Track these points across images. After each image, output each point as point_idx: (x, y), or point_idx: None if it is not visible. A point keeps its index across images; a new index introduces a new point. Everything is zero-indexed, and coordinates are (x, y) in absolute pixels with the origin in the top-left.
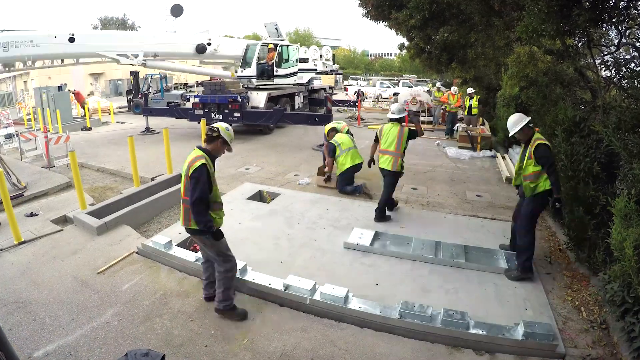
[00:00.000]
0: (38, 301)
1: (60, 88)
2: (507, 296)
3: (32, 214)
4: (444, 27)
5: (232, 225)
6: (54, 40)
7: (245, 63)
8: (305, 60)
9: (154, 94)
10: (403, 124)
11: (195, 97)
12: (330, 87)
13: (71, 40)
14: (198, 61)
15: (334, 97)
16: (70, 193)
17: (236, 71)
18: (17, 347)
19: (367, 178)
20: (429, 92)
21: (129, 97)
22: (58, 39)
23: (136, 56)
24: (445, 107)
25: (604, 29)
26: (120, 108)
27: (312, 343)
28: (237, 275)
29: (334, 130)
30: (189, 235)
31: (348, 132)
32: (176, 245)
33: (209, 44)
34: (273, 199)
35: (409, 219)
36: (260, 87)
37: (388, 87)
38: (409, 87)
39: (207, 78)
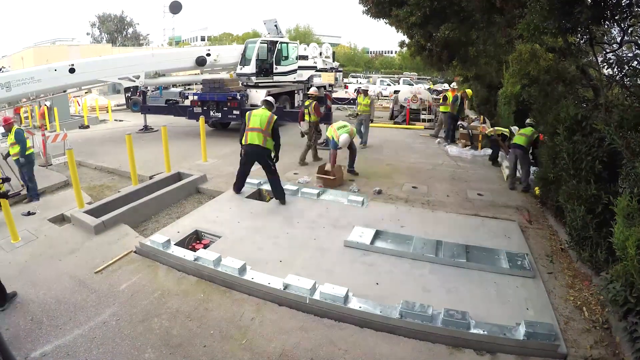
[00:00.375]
0: (35, 301)
1: None
2: (508, 296)
3: (29, 213)
4: (445, 24)
5: (231, 224)
6: (54, 74)
7: (245, 60)
8: (305, 57)
9: (152, 91)
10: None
11: (194, 94)
12: (330, 85)
13: (71, 70)
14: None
15: (334, 95)
16: (67, 191)
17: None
18: (14, 347)
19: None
20: (429, 89)
21: (127, 94)
22: (58, 72)
23: (138, 77)
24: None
25: (606, 26)
26: (118, 106)
27: (312, 343)
28: (236, 274)
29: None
30: (187, 234)
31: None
32: (174, 244)
33: (208, 54)
34: (272, 198)
35: (409, 218)
36: (260, 84)
37: (388, 84)
38: (409, 84)
39: None
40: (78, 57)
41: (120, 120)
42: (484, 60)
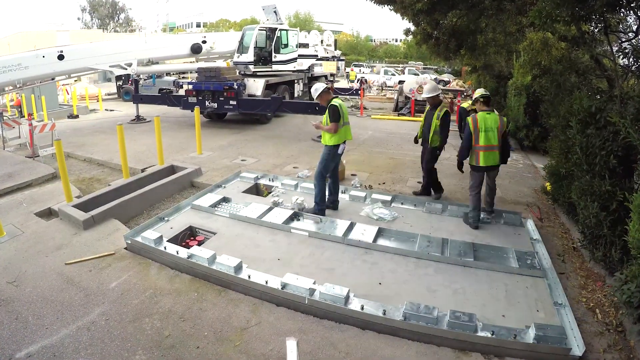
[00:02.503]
0: (20, 299)
1: None
2: (518, 297)
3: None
4: (453, 11)
5: (227, 220)
6: (42, 60)
7: (242, 48)
8: (305, 45)
9: (145, 80)
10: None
11: (189, 84)
12: (332, 75)
13: (60, 57)
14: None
15: (336, 85)
16: (55, 184)
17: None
18: None
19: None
20: (435, 79)
21: (118, 83)
22: (47, 58)
23: (130, 65)
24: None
25: (622, 14)
26: (109, 95)
27: (311, 345)
28: (232, 273)
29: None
30: (181, 229)
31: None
32: (167, 241)
33: (204, 42)
34: (270, 192)
35: (414, 215)
36: (258, 73)
37: (393, 74)
38: (415, 74)
39: None
40: (67, 44)
41: (111, 110)
42: (493, 50)
